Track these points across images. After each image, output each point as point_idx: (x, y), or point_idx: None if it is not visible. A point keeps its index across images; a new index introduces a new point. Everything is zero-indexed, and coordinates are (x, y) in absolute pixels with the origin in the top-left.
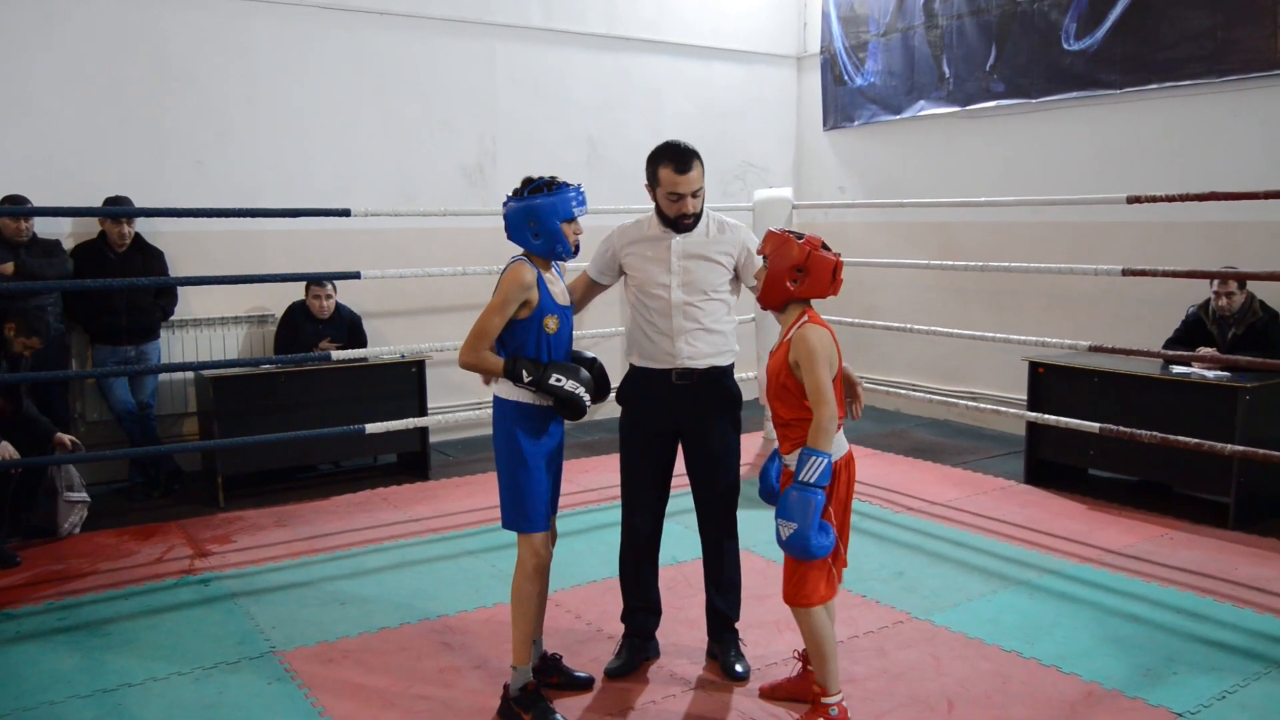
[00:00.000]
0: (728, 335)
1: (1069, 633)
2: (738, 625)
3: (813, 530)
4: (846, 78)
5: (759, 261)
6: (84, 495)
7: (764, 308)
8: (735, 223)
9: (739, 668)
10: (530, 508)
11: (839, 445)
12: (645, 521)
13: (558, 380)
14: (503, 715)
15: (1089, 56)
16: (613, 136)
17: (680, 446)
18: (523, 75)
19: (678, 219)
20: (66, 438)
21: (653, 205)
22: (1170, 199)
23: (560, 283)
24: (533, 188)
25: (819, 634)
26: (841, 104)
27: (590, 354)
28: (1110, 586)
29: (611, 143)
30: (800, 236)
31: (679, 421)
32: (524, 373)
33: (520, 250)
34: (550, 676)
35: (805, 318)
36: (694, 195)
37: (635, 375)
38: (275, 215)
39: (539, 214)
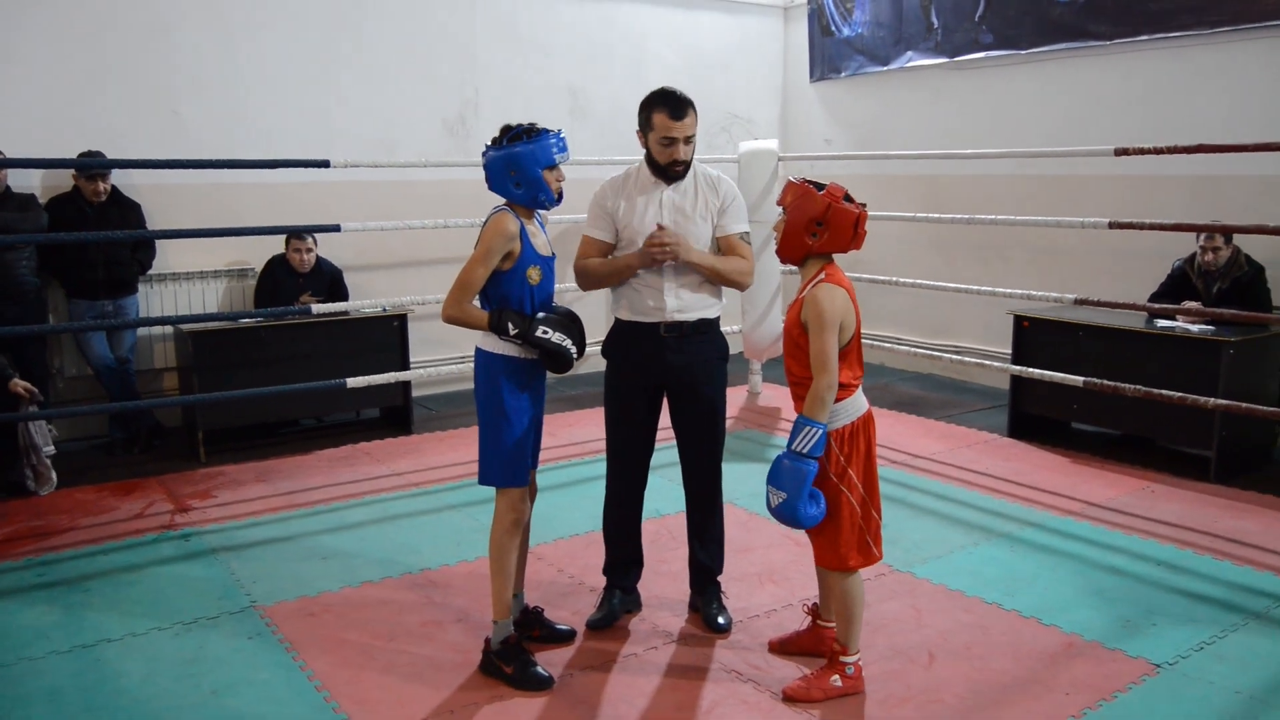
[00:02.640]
0: (717, 288)
1: (1050, 585)
2: (720, 578)
3: (801, 500)
4: (834, 28)
5: (737, 219)
6: (51, 449)
7: (783, 261)
8: (721, 175)
9: (721, 620)
10: (510, 463)
11: (856, 406)
12: (630, 475)
13: (544, 333)
14: (484, 669)
15: (1079, 8)
16: (596, 87)
17: (666, 400)
18: (504, 24)
19: (669, 165)
20: (20, 384)
21: (640, 156)
22: (1158, 151)
23: (542, 234)
24: (512, 135)
25: (850, 596)
26: (828, 55)
27: (566, 307)
28: (1091, 539)
29: (594, 93)
30: (821, 187)
31: (666, 375)
32: (510, 325)
33: (502, 201)
34: (532, 629)
35: (823, 274)
36: (686, 142)
37: (622, 329)
38: (253, 166)
39: (520, 162)
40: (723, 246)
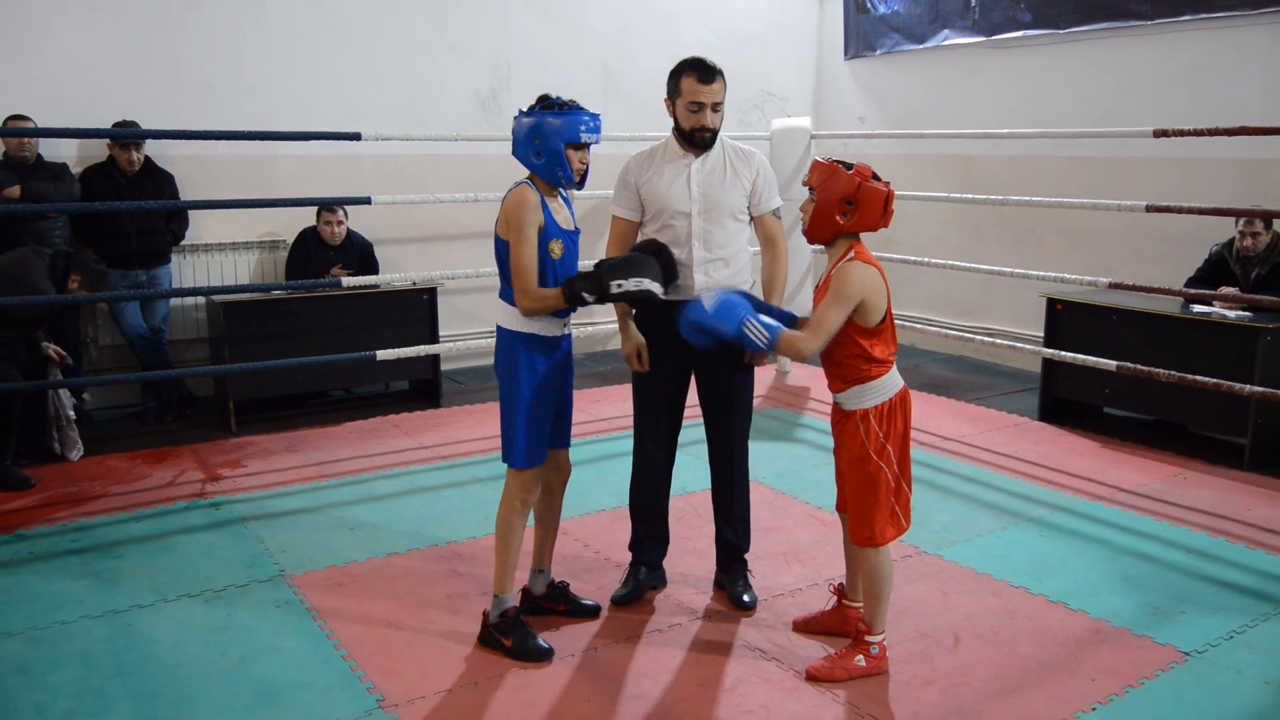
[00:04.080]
0: (745, 264)
1: (1078, 570)
2: (746, 556)
3: (703, 329)
4: (869, 5)
5: (769, 196)
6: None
7: (811, 241)
8: (751, 149)
9: (746, 598)
10: (525, 443)
11: (892, 383)
12: (658, 452)
13: (619, 286)
14: (483, 641)
15: None
16: (628, 64)
17: (694, 377)
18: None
19: (695, 131)
20: (51, 347)
21: (669, 129)
22: (1198, 134)
23: (566, 210)
24: (545, 105)
25: (879, 574)
26: (863, 32)
27: (657, 241)
28: (1121, 525)
29: (627, 70)
30: (849, 166)
31: (694, 352)
32: (584, 294)
33: (525, 175)
34: (557, 604)
35: (852, 253)
36: (714, 110)
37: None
38: (285, 139)
39: (544, 132)
40: (757, 225)
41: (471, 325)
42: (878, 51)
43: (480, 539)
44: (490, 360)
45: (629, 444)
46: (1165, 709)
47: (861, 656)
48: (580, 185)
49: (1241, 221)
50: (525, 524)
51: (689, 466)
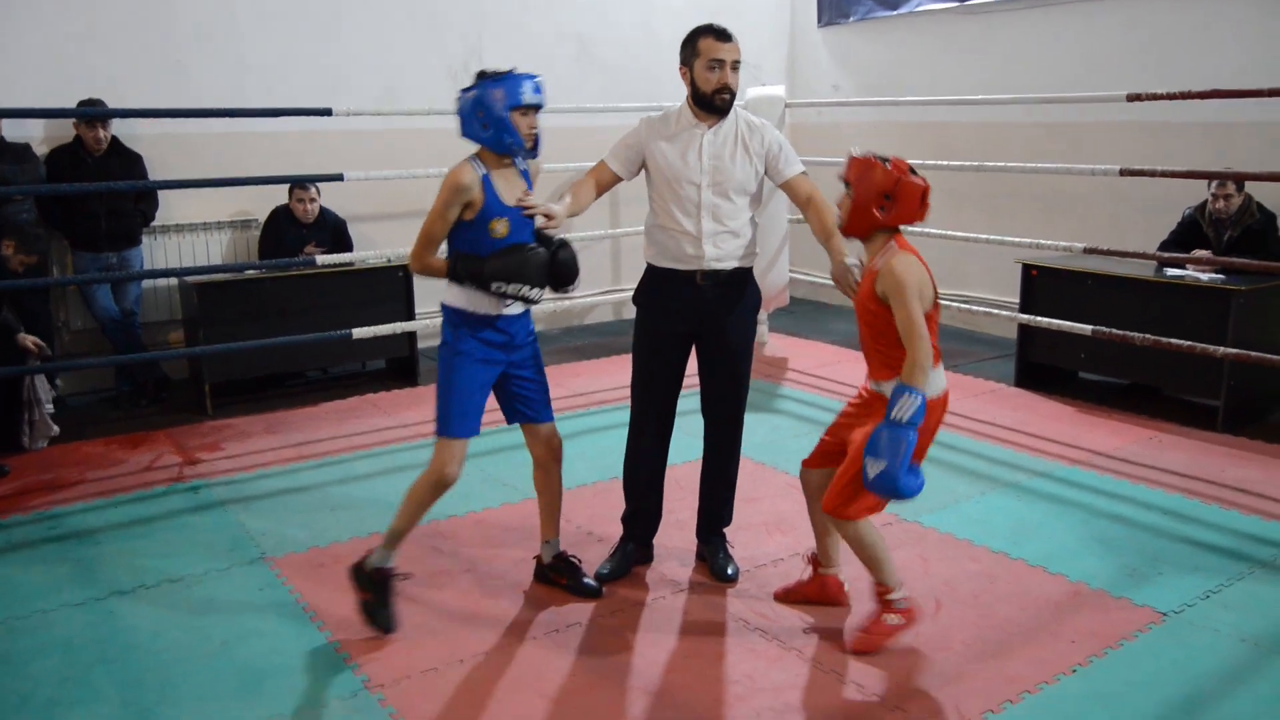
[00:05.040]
0: (753, 237)
1: (1056, 533)
2: (725, 529)
3: (902, 471)
4: None
5: (790, 162)
6: (50, 407)
7: (847, 235)
8: (763, 122)
9: (730, 569)
10: (450, 415)
11: (935, 382)
12: (657, 424)
13: (498, 287)
14: (350, 574)
15: None
16: (603, 34)
17: (695, 348)
18: None
19: (716, 92)
20: (29, 339)
21: (646, 102)
22: (1171, 97)
23: (522, 183)
24: (481, 76)
25: (867, 540)
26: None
27: (560, 236)
28: (1098, 488)
29: (602, 40)
30: (886, 160)
31: (699, 323)
32: (464, 277)
33: (475, 150)
34: (561, 576)
35: (893, 243)
36: (734, 69)
37: (656, 275)
38: (255, 115)
39: (486, 102)
40: (788, 190)
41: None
42: (851, 19)
43: (462, 516)
44: None
45: (608, 418)
46: (1144, 669)
47: (890, 615)
48: (534, 152)
49: (1214, 184)
50: (436, 496)
51: (673, 438)
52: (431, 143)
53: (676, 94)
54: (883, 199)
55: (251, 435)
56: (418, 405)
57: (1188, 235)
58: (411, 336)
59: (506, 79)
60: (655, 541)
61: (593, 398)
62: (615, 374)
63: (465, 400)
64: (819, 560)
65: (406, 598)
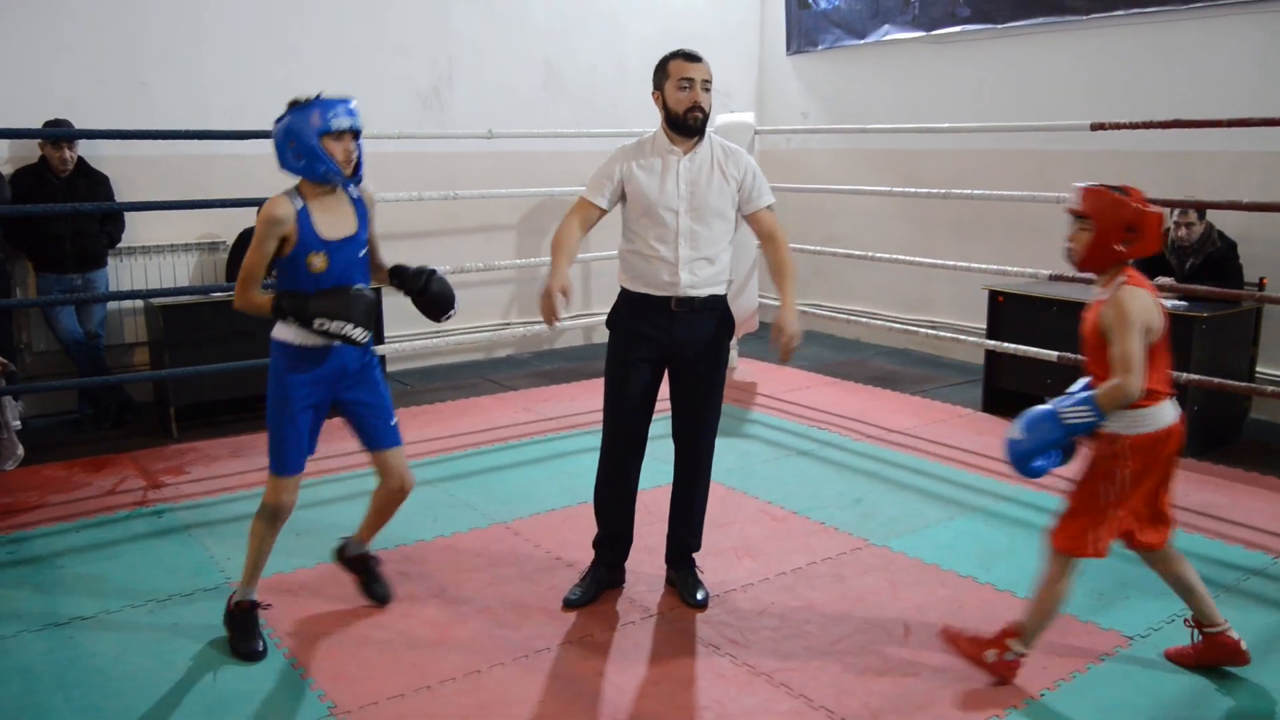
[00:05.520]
0: (727, 264)
1: (1024, 558)
2: (695, 555)
3: (1033, 454)
4: (811, 1)
5: (762, 193)
6: (18, 424)
7: (1083, 270)
8: (739, 148)
9: (699, 595)
10: (285, 452)
11: (1161, 416)
12: (629, 449)
13: (321, 324)
14: (224, 622)
15: None
16: (571, 60)
17: (667, 375)
18: None
19: (688, 111)
20: None
21: (616, 128)
22: (1133, 126)
23: (349, 213)
24: (292, 105)
25: (1059, 587)
26: (805, 28)
27: (430, 268)
28: None
29: (569, 66)
30: (1122, 190)
31: (672, 349)
32: (287, 314)
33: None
34: (356, 572)
35: (1124, 277)
36: (705, 89)
37: (631, 300)
38: (222, 137)
39: (295, 130)
40: (752, 221)
41: (417, 326)
42: (819, 47)
43: (430, 541)
44: (437, 361)
45: (577, 442)
46: (1111, 692)
47: (994, 652)
48: (356, 178)
49: (1176, 213)
50: (276, 529)
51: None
52: (399, 167)
53: (645, 120)
54: (1125, 232)
55: (217, 459)
56: None
57: (1151, 263)
58: (380, 360)
59: (315, 104)
60: (625, 566)
61: (562, 422)
62: (585, 398)
63: (294, 438)
64: (1200, 621)
65: (374, 624)
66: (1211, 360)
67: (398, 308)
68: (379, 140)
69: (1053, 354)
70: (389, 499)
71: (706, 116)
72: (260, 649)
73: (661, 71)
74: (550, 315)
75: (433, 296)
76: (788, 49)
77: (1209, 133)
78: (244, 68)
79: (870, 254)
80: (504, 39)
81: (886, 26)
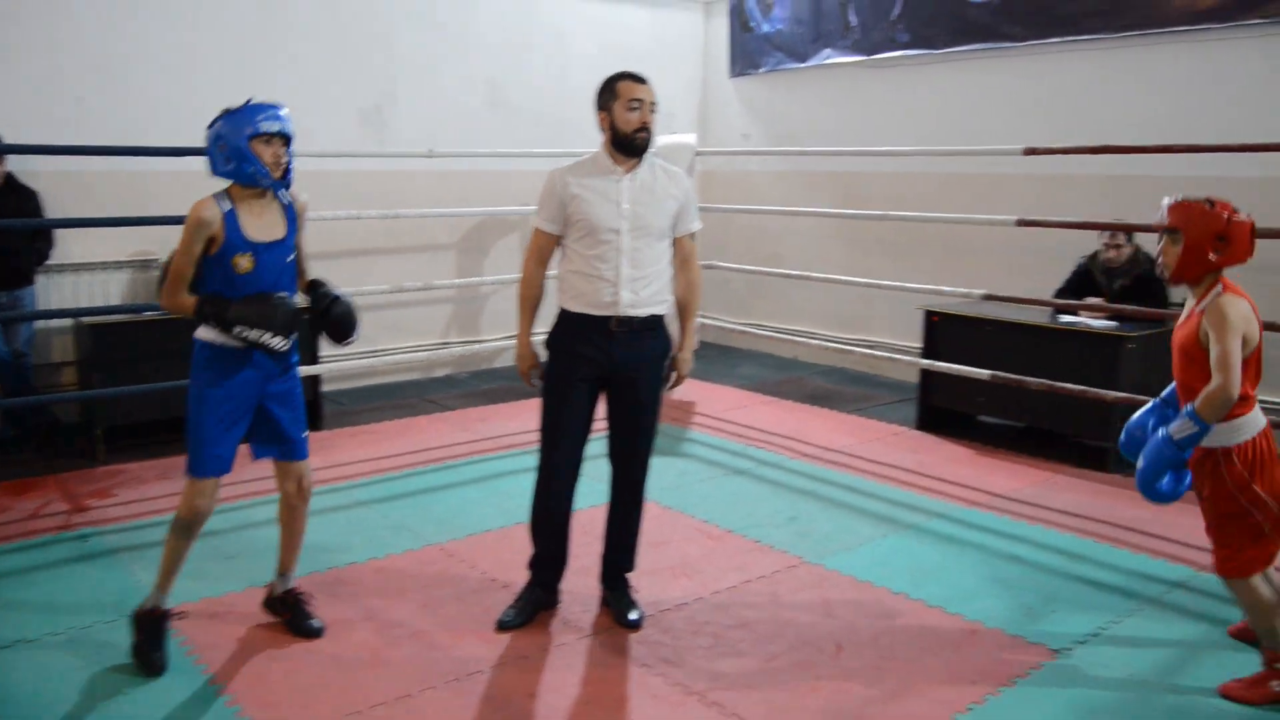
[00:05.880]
0: (667, 283)
1: (954, 574)
2: (629, 575)
3: (1154, 478)
4: (753, 24)
5: (693, 217)
6: None
7: (1177, 282)
8: (679, 170)
9: (633, 615)
10: (204, 454)
11: (1257, 420)
12: (566, 469)
13: (240, 331)
14: (129, 622)
15: (993, 9)
16: (515, 79)
17: (605, 393)
18: (422, 14)
19: (637, 131)
20: None
21: (562, 147)
22: (1065, 151)
23: (279, 218)
24: (223, 111)
25: (1258, 600)
26: (747, 50)
27: (336, 291)
28: (995, 529)
29: (514, 85)
30: (1212, 204)
31: (611, 369)
32: (208, 315)
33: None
34: (284, 613)
35: (1220, 286)
36: (652, 110)
37: (570, 320)
38: (159, 154)
39: (224, 134)
40: (676, 245)
41: (353, 345)
42: (761, 70)
43: (362, 563)
44: (373, 380)
45: (515, 462)
46: (1037, 706)
47: (1276, 681)
48: (285, 182)
49: (1106, 235)
50: (192, 536)
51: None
52: (341, 185)
53: (589, 140)
54: (1216, 241)
55: (145, 482)
56: (321, 450)
57: (1081, 283)
58: (315, 380)
59: (244, 108)
60: (560, 586)
61: (500, 442)
62: (522, 418)
63: (215, 440)
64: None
65: (303, 648)
66: (1139, 379)
67: None
68: (320, 158)
69: (985, 373)
70: (292, 508)
71: (652, 137)
72: (161, 663)
73: (609, 92)
74: (528, 379)
75: (334, 319)
76: (730, 71)
77: (1138, 157)
78: (183, 83)
79: (809, 274)
80: (448, 57)
81: (827, 50)
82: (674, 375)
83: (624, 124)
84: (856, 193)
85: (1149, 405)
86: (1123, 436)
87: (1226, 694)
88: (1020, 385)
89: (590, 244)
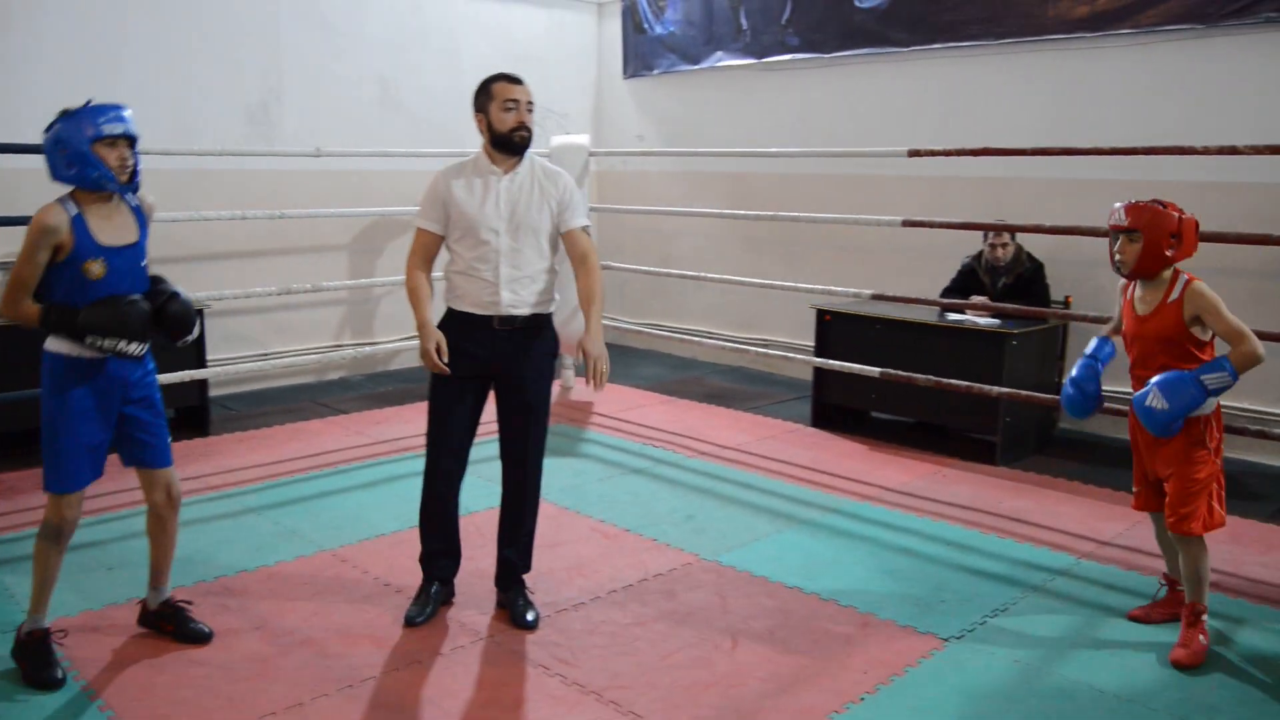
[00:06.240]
0: (550, 284)
1: (848, 568)
2: (525, 576)
3: (1179, 417)
4: (646, 26)
5: (578, 213)
6: None
7: (1136, 276)
8: (559, 169)
9: (529, 616)
10: (58, 468)
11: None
12: (452, 466)
13: (92, 341)
14: (12, 655)
15: (879, 15)
16: (407, 78)
17: (493, 394)
18: (309, 10)
19: (514, 130)
20: None
21: (451, 147)
22: (947, 153)
23: (129, 221)
24: (63, 113)
25: (1206, 558)
26: (641, 52)
27: (174, 288)
28: (887, 522)
29: (406, 84)
30: (1164, 204)
31: (496, 368)
32: (55, 324)
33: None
34: (167, 624)
35: (1185, 276)
36: (529, 109)
37: (454, 318)
38: (27, 152)
39: (64, 137)
40: (566, 240)
41: (241, 348)
42: (655, 71)
43: (252, 571)
44: (263, 384)
45: (409, 465)
46: (927, 694)
47: (1204, 635)
48: (132, 186)
49: (990, 234)
50: (61, 548)
51: (472, 485)
52: (226, 184)
53: (480, 141)
54: (1170, 238)
55: (21, 491)
56: (210, 456)
57: (966, 282)
58: (203, 384)
59: (84, 110)
60: (457, 590)
61: (395, 445)
62: (419, 420)
63: (75, 455)
64: (1175, 579)
65: (189, 659)
66: (1021, 374)
67: (220, 330)
68: (203, 157)
69: (875, 370)
70: (161, 518)
71: (531, 135)
72: (59, 676)
73: (484, 94)
74: (438, 369)
75: (170, 315)
76: (624, 73)
77: (1017, 160)
78: (59, 77)
79: (704, 274)
80: (337, 55)
81: (719, 53)
82: (592, 366)
83: (500, 124)
84: (749, 193)
85: (1078, 366)
86: (1071, 389)
87: (1178, 663)
88: (910, 382)
89: (470, 244)
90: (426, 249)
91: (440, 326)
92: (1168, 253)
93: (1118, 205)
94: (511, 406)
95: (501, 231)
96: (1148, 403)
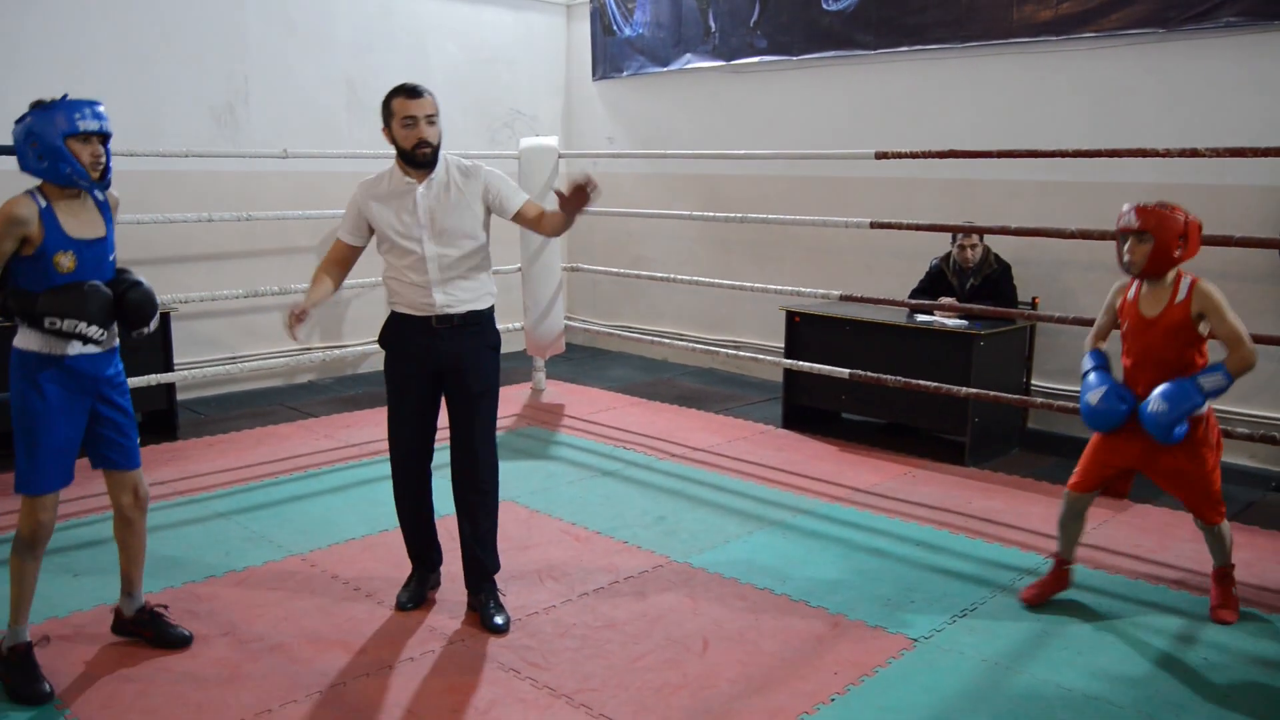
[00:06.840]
0: (484, 279)
1: (818, 569)
2: (496, 577)
3: (1179, 422)
4: (615, 28)
5: (513, 193)
6: None
7: (1145, 276)
8: (474, 163)
9: (499, 619)
10: (37, 471)
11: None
12: (412, 462)
13: (52, 324)
14: None
15: (846, 17)
16: (374, 80)
17: (444, 392)
18: (276, 9)
19: (416, 147)
20: None
21: (446, 145)
22: (914, 155)
23: (97, 216)
24: (36, 105)
25: (1225, 533)
26: (610, 54)
27: (138, 278)
28: (857, 523)
29: (373, 86)
30: (1170, 207)
31: (439, 363)
32: (15, 311)
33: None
34: (145, 630)
35: (1189, 277)
36: (430, 123)
37: (396, 319)
38: None
39: (37, 131)
40: (520, 220)
41: (209, 351)
42: (624, 73)
43: (220, 577)
44: (231, 388)
45: (379, 469)
46: (897, 693)
47: (1235, 587)
48: (104, 182)
49: (959, 236)
50: (37, 556)
51: (442, 489)
52: (192, 186)
53: (449, 142)
54: (1179, 240)
55: None
56: (177, 460)
57: (935, 283)
58: (170, 389)
59: (60, 105)
60: (441, 569)
61: (365, 449)
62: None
63: (50, 455)
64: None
65: (157, 666)
66: (988, 375)
67: (187, 333)
68: (169, 159)
69: (845, 371)
70: (129, 521)
71: (435, 149)
72: (47, 689)
73: (386, 110)
74: (290, 332)
75: (130, 303)
76: (594, 74)
77: (983, 162)
78: (20, 77)
79: (674, 276)
80: (305, 56)
81: (688, 55)
82: (589, 185)
83: (403, 140)
84: (718, 195)
85: (1099, 379)
86: (1099, 404)
87: (1226, 621)
88: (879, 383)
89: (398, 255)
90: (342, 257)
91: (385, 328)
92: (1176, 254)
93: (1127, 207)
94: (456, 397)
95: (425, 240)
96: (1151, 409)
